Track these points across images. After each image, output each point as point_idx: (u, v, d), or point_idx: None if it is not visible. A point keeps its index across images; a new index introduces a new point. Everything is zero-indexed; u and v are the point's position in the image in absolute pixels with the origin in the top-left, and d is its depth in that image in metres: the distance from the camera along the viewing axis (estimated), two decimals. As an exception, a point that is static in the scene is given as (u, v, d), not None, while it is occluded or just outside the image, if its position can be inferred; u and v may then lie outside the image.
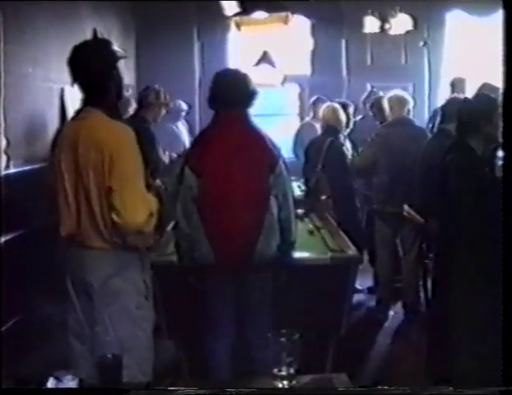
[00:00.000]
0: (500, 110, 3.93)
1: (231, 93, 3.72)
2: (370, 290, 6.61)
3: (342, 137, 6.43)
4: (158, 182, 5.01)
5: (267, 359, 3.68)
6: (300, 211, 5.41)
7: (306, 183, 6.44)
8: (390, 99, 6.16)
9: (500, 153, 4.01)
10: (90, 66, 3.10)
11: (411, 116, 6.25)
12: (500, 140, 3.93)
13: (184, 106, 8.52)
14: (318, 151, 6.28)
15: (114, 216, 2.95)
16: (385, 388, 2.07)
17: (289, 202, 3.76)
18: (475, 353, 3.62)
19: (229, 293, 3.72)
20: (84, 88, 3.14)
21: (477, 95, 4.22)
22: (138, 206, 2.97)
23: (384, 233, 6.06)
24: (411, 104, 6.17)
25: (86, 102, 3.14)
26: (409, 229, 5.80)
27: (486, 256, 3.61)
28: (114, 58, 3.17)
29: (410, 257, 5.95)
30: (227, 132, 3.72)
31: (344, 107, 6.63)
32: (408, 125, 6.04)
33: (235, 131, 3.73)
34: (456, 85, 7.25)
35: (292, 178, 7.21)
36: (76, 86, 3.17)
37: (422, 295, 5.95)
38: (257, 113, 9.91)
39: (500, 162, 3.96)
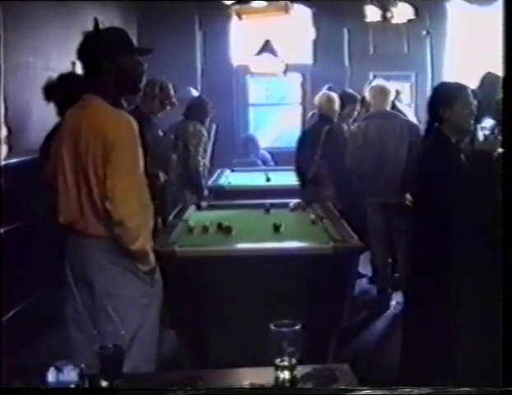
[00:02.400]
0: (464, 98, 3.91)
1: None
2: (370, 280, 6.60)
3: (339, 125, 6.44)
4: (162, 176, 5.02)
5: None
6: (299, 201, 5.41)
7: (300, 172, 6.43)
8: (372, 90, 6.14)
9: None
10: (88, 48, 3.13)
11: (413, 105, 6.24)
12: (464, 130, 3.93)
13: (195, 92, 8.34)
14: (315, 139, 6.27)
15: (107, 204, 2.94)
16: (385, 388, 2.05)
17: None
18: (475, 353, 3.60)
19: None
20: (83, 68, 3.17)
21: (438, 84, 4.21)
22: (128, 196, 2.95)
23: (376, 224, 6.06)
24: (393, 95, 6.16)
25: (85, 88, 3.14)
26: (400, 219, 5.77)
27: (471, 244, 3.60)
28: (112, 47, 3.14)
29: (403, 246, 5.92)
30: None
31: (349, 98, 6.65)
32: (388, 116, 6.02)
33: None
34: None
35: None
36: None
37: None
38: (259, 102, 9.94)
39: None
